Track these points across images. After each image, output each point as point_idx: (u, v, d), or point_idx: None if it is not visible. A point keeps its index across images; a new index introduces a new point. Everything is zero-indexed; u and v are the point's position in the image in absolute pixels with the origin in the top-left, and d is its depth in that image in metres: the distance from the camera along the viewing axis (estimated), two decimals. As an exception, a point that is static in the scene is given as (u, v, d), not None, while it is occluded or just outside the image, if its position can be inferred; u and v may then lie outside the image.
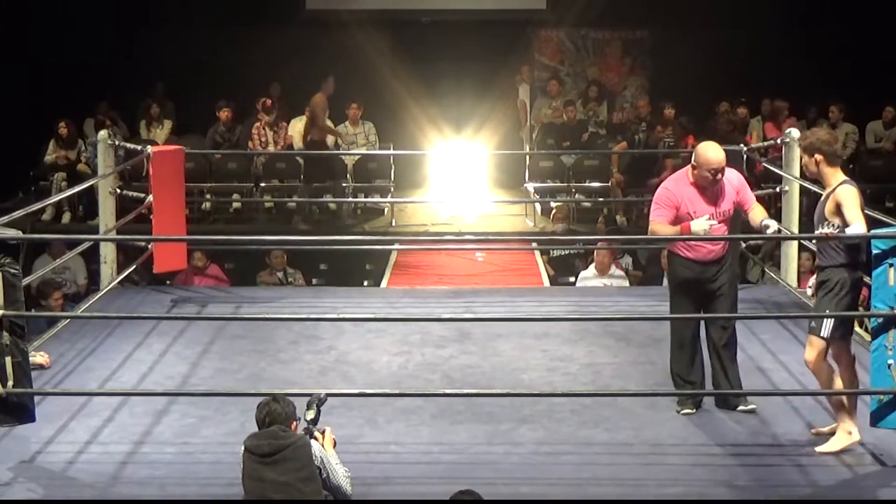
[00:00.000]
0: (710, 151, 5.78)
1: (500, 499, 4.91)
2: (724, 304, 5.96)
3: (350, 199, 12.63)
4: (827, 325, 5.32)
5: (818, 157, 5.38)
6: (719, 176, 5.75)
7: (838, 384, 5.41)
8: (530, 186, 12.80)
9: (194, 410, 5.95)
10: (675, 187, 5.82)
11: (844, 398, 5.36)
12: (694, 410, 5.89)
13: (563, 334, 7.31)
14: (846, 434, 5.36)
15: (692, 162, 5.80)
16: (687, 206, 5.76)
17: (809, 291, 5.55)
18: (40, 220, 11.91)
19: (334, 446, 4.92)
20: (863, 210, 5.30)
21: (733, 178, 5.87)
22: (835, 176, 5.38)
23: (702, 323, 6.02)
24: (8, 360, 5.07)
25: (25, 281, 5.91)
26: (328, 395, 5.10)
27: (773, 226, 5.74)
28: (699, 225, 5.69)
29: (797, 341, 7.05)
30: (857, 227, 5.20)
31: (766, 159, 10.63)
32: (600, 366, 6.80)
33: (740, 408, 5.91)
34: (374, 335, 7.27)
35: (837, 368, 5.44)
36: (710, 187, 5.77)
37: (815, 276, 5.53)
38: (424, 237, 11.64)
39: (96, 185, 8.71)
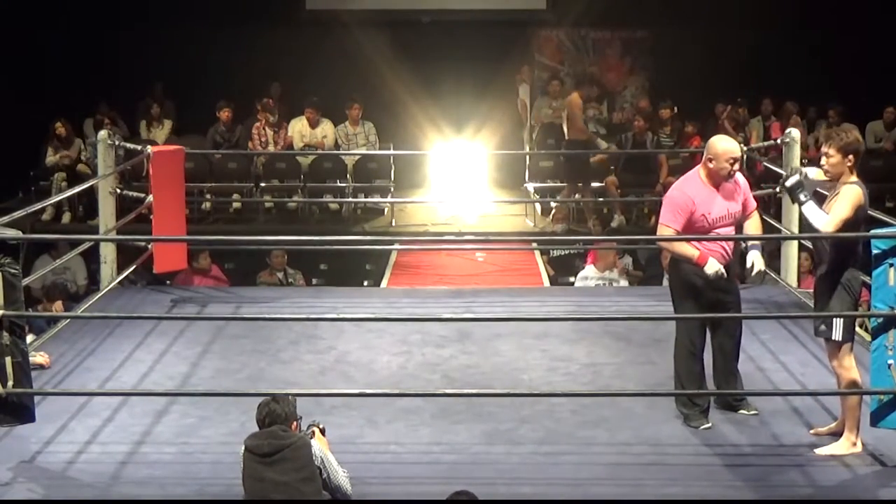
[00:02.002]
0: (726, 142, 5.73)
1: (499, 499, 4.92)
2: (732, 315, 5.90)
3: (350, 200, 12.64)
4: (837, 329, 5.31)
5: (852, 157, 5.31)
6: (736, 166, 5.69)
7: (859, 386, 5.38)
8: (530, 186, 12.81)
9: (194, 410, 5.95)
10: (689, 189, 5.70)
11: (858, 409, 5.35)
12: (710, 423, 5.76)
13: (563, 334, 7.30)
14: (850, 444, 5.35)
15: (707, 156, 5.71)
16: (700, 209, 5.66)
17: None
18: (40, 220, 11.92)
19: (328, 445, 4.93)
20: (859, 209, 5.28)
21: (741, 180, 5.82)
22: (851, 177, 5.36)
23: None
24: (8, 360, 5.07)
25: (25, 281, 5.91)
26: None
27: (757, 262, 5.74)
28: (712, 267, 5.62)
29: (797, 341, 7.06)
30: (829, 220, 5.20)
31: (766, 159, 10.64)
32: (600, 366, 6.79)
33: (742, 411, 5.90)
34: (374, 335, 7.27)
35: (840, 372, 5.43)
36: (725, 182, 5.69)
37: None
38: (424, 237, 11.64)
39: (96, 185, 8.71)
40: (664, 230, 5.71)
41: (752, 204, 5.90)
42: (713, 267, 5.62)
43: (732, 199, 5.75)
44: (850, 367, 5.34)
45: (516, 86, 14.02)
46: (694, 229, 5.68)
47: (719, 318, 5.87)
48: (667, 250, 5.85)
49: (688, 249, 5.67)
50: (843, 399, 5.42)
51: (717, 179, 5.70)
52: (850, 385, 5.34)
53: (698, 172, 5.76)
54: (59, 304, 8.96)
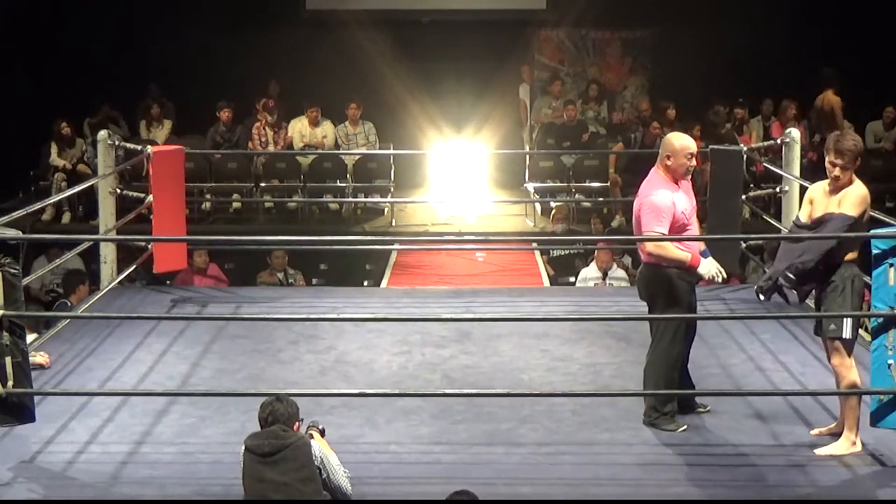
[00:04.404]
0: (685, 138, 5.69)
1: (499, 499, 4.92)
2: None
3: (350, 200, 12.64)
4: (846, 326, 5.30)
5: (859, 160, 5.34)
6: (694, 162, 5.65)
7: (859, 387, 5.38)
8: (530, 186, 12.81)
9: (194, 410, 5.95)
10: (664, 190, 5.61)
11: (858, 409, 5.35)
12: (685, 426, 5.76)
13: (563, 334, 7.30)
14: (850, 444, 5.35)
15: (664, 154, 5.65)
16: (678, 207, 5.61)
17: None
18: (40, 220, 11.92)
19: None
20: (866, 208, 5.29)
21: None
22: (855, 178, 5.38)
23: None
24: (8, 360, 5.07)
25: (25, 281, 5.91)
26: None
27: (712, 266, 5.69)
28: (706, 267, 5.56)
29: (797, 341, 7.06)
30: (842, 217, 5.23)
31: (765, 159, 10.64)
32: (600, 366, 6.79)
33: (699, 410, 5.90)
34: (374, 335, 7.27)
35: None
36: (685, 178, 5.67)
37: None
38: (424, 237, 11.65)
39: (96, 185, 8.71)
40: (654, 237, 5.57)
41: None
42: (707, 267, 5.59)
43: (690, 193, 5.75)
44: (851, 366, 5.34)
45: (519, 85, 14.02)
46: (675, 229, 5.61)
47: (695, 323, 5.88)
48: (658, 257, 5.62)
49: (679, 253, 5.59)
50: (844, 398, 5.42)
51: (677, 176, 5.65)
52: (850, 384, 5.34)
53: (658, 173, 5.69)
54: (83, 290, 8.96)
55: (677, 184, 5.66)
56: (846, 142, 5.30)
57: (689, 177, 5.74)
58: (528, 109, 13.93)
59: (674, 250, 5.60)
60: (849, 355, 5.33)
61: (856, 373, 5.34)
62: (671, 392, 5.74)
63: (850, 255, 5.34)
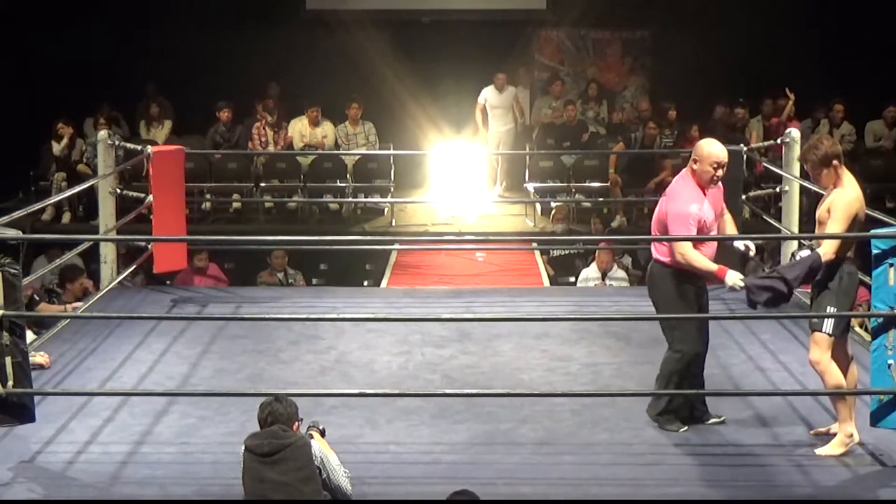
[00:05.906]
0: (715, 146, 5.60)
1: (499, 499, 4.92)
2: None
3: (350, 200, 12.64)
4: (828, 322, 5.30)
5: (836, 162, 5.34)
6: (721, 172, 5.57)
7: (844, 385, 5.37)
8: (530, 186, 12.81)
9: (194, 410, 5.95)
10: (692, 197, 5.54)
11: (847, 401, 5.34)
12: (687, 426, 5.74)
13: (563, 334, 7.31)
14: (847, 437, 5.35)
15: (692, 158, 5.60)
16: (705, 216, 5.56)
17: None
18: (40, 220, 11.91)
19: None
20: (856, 213, 5.29)
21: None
22: (846, 175, 5.38)
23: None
24: (8, 360, 5.07)
25: (25, 281, 5.91)
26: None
27: (749, 244, 5.73)
28: (733, 278, 5.39)
29: (797, 341, 7.06)
30: (828, 251, 5.25)
31: (766, 159, 10.63)
32: (600, 366, 6.80)
33: (711, 421, 5.81)
34: (374, 335, 7.27)
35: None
36: (712, 187, 5.62)
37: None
38: (424, 237, 11.65)
39: (96, 185, 8.72)
40: (681, 246, 5.51)
41: (723, 204, 5.82)
42: (733, 278, 5.42)
43: (717, 199, 5.70)
44: (830, 361, 5.29)
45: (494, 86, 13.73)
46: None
47: (706, 326, 5.84)
48: (686, 266, 5.54)
49: (707, 264, 5.50)
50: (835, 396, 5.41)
51: (702, 183, 5.59)
52: (835, 384, 5.31)
53: (687, 176, 5.63)
54: (78, 285, 8.95)
55: (704, 189, 5.59)
56: (810, 154, 5.37)
57: (719, 184, 5.67)
58: (487, 114, 13.52)
59: (701, 260, 5.50)
60: (824, 350, 5.31)
61: (835, 367, 5.30)
62: (670, 392, 5.74)
63: (847, 253, 5.36)
